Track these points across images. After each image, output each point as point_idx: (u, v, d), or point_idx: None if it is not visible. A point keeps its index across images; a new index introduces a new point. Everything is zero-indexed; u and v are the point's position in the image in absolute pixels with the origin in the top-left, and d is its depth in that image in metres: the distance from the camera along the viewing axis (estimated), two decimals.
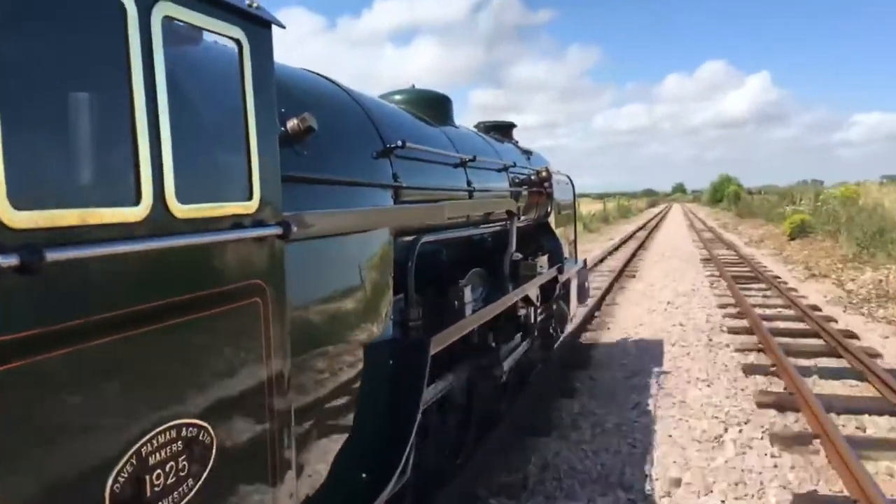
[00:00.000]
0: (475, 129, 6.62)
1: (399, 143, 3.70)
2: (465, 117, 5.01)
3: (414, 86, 5.54)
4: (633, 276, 16.83)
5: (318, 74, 3.70)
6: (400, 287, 3.62)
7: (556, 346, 7.62)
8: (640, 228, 39.14)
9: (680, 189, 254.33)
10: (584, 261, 8.58)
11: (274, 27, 2.15)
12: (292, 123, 2.63)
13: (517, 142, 7.43)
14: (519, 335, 5.85)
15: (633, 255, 21.79)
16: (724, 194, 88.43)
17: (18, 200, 1.32)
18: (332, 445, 2.78)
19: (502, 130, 7.22)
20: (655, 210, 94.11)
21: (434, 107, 5.32)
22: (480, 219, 5.11)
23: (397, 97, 5.26)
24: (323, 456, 2.70)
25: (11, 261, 1.26)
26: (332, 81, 3.73)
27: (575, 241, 8.58)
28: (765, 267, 18.39)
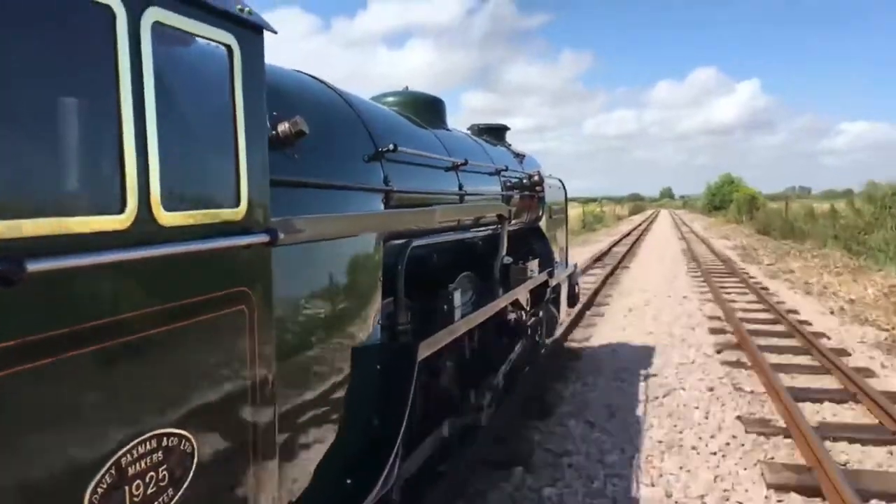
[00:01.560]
0: (468, 132, 6.61)
1: (391, 146, 3.68)
2: (457, 120, 5.04)
3: (407, 88, 5.53)
4: None
5: (310, 76, 3.68)
6: (389, 291, 3.61)
7: (543, 350, 7.63)
8: (597, 260, 21.76)
9: (667, 194, 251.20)
10: (576, 265, 8.59)
11: (266, 33, 2.14)
12: (283, 127, 2.61)
13: (510, 145, 7.43)
14: (507, 341, 5.85)
15: None
16: (724, 200, 76.17)
17: (0, 209, 1.30)
18: (317, 451, 2.77)
19: (495, 133, 7.22)
20: (637, 218, 77.17)
21: (427, 109, 5.31)
22: (471, 223, 5.11)
23: (390, 99, 5.25)
24: (307, 462, 2.68)
25: None
26: (324, 83, 3.71)
27: (566, 245, 8.58)
28: None
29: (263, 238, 2.08)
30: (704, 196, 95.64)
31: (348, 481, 2.98)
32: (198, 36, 1.85)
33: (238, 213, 2.01)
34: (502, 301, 5.18)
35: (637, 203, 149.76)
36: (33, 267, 1.32)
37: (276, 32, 2.15)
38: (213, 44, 1.91)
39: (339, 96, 3.68)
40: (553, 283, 6.77)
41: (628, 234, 38.11)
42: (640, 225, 53.89)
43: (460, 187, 4.90)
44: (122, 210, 1.60)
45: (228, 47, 1.96)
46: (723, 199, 79.61)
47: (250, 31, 2.06)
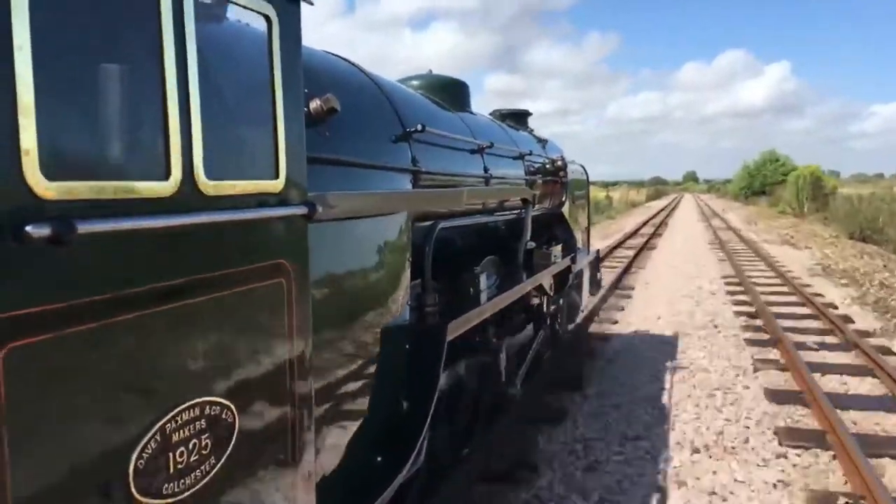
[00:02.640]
0: (491, 117, 6.58)
1: (419, 127, 3.66)
2: (480, 102, 5.00)
3: (431, 71, 5.51)
4: None
5: (339, 57, 3.67)
6: (417, 272, 3.60)
7: (565, 336, 7.60)
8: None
9: (691, 178, 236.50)
10: (598, 251, 8.53)
11: (303, 4, 2.12)
12: (315, 104, 2.60)
13: (532, 130, 7.38)
14: (530, 326, 5.83)
15: None
16: (765, 183, 62.43)
17: (50, 170, 1.30)
18: (349, 427, 2.77)
19: (518, 118, 7.17)
20: (657, 205, 63.69)
21: (451, 92, 5.28)
22: (496, 206, 5.08)
23: (415, 82, 5.22)
24: (340, 438, 2.69)
25: (43, 231, 1.24)
26: (353, 64, 3.70)
27: (588, 230, 8.53)
28: None
29: (302, 210, 2.08)
30: (740, 178, 75.46)
31: (378, 459, 2.99)
32: (238, 5, 1.84)
33: (277, 185, 2.01)
34: (528, 284, 5.16)
35: (658, 187, 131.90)
36: (84, 228, 1.32)
37: (312, 3, 2.14)
38: (253, 13, 1.91)
39: (367, 77, 3.67)
40: (576, 268, 6.73)
41: (634, 234, 25.92)
42: (655, 216, 40.70)
43: (485, 170, 4.88)
44: (167, 176, 1.60)
45: (267, 17, 1.95)
46: (764, 183, 64.32)
47: (288, 2, 2.05)
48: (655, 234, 26.43)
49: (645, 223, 33.60)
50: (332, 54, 3.64)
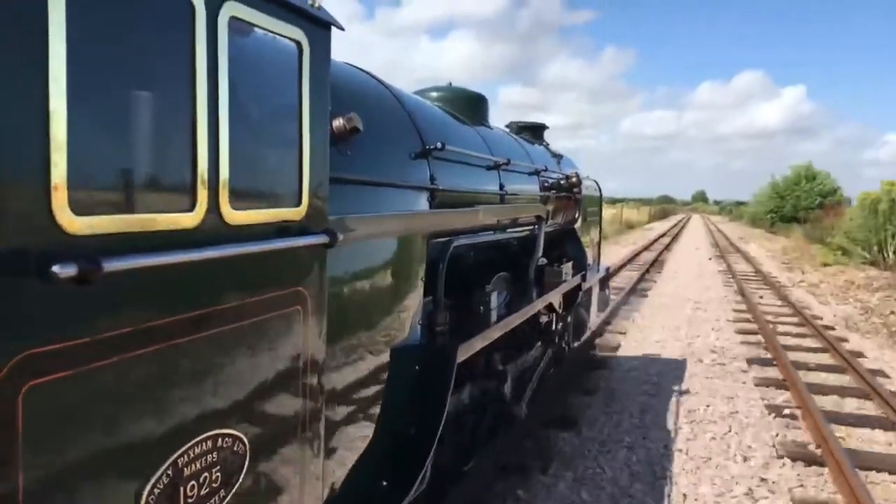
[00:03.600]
0: (507, 130, 6.54)
1: (438, 145, 3.63)
2: (493, 114, 4.97)
3: (451, 83, 5.47)
4: None
5: (360, 70, 3.64)
6: (429, 290, 3.57)
7: (570, 353, 7.55)
8: None
9: (701, 198, 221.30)
10: (608, 268, 8.49)
11: (333, 29, 2.10)
12: (338, 123, 2.57)
13: (548, 144, 7.34)
14: (538, 345, 5.79)
15: None
16: (798, 206, 46.87)
17: (78, 206, 1.28)
18: (356, 452, 2.74)
19: (534, 132, 7.13)
20: (660, 227, 49.76)
21: (470, 106, 5.25)
22: (509, 223, 5.05)
23: (434, 94, 5.19)
24: (347, 463, 2.66)
25: (69, 271, 1.22)
26: (375, 78, 3.67)
27: (599, 247, 8.48)
28: None
29: (323, 239, 2.06)
30: (765, 198, 54.84)
31: (384, 483, 2.96)
32: (270, 31, 1.82)
33: (299, 212, 1.98)
34: (538, 304, 5.12)
35: (664, 206, 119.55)
36: (109, 266, 1.29)
37: (343, 29, 2.11)
38: (284, 40, 1.88)
39: (389, 92, 3.64)
40: (585, 286, 6.69)
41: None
42: (651, 244, 29.48)
43: (501, 187, 4.84)
44: (192, 208, 1.57)
45: (298, 43, 1.92)
46: (798, 206, 47.72)
47: (320, 28, 2.02)
48: (637, 291, 15.04)
49: (631, 259, 21.78)
50: (355, 67, 3.62)
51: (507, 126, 6.90)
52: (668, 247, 29.84)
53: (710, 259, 24.66)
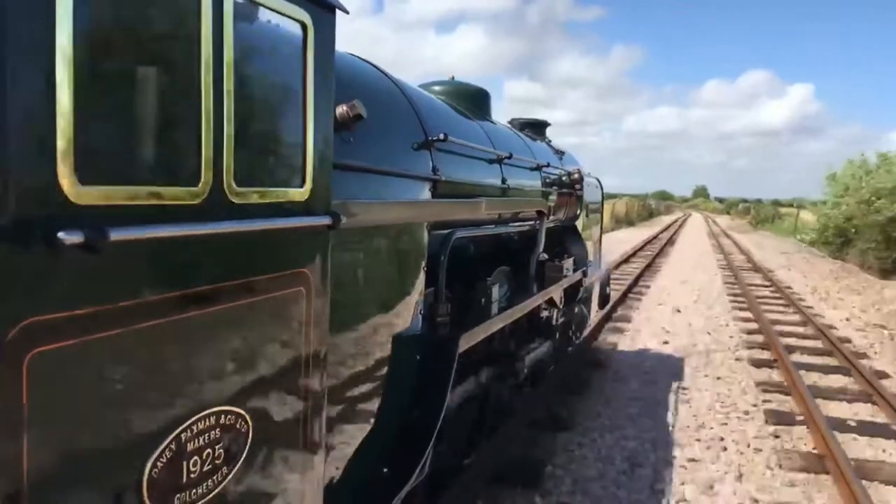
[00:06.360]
0: (510, 125, 6.55)
1: (441, 135, 3.64)
2: (498, 108, 5.01)
3: (454, 77, 5.48)
4: None
5: (363, 60, 3.65)
6: (430, 281, 3.58)
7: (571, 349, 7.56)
8: None
9: (702, 193, 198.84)
10: (608, 265, 8.50)
11: (338, 13, 2.11)
12: (341, 110, 2.58)
13: (550, 141, 7.35)
14: (539, 337, 5.80)
15: None
16: (870, 225, 21.75)
17: (84, 174, 1.29)
18: (358, 437, 2.75)
19: (536, 128, 7.15)
20: (639, 235, 30.99)
21: (473, 101, 5.26)
22: (511, 217, 5.05)
23: (437, 88, 5.20)
24: (349, 447, 2.67)
25: (76, 238, 1.23)
26: (379, 69, 3.68)
27: (599, 244, 8.49)
28: None
29: (326, 221, 2.07)
30: (831, 202, 27.55)
31: (385, 470, 2.96)
32: (275, 11, 1.83)
33: (303, 193, 1.99)
34: (539, 298, 5.13)
35: (646, 202, 75.81)
36: (116, 236, 1.30)
37: (347, 12, 2.12)
38: (289, 20, 1.89)
39: (392, 83, 3.65)
40: (586, 282, 6.69)
41: None
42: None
43: (503, 181, 4.85)
44: (196, 182, 1.58)
45: (303, 24, 1.93)
46: (868, 222, 22.48)
47: (324, 10, 2.03)
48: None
49: None
50: (358, 57, 3.63)
51: (510, 122, 6.91)
52: (641, 277, 16.18)
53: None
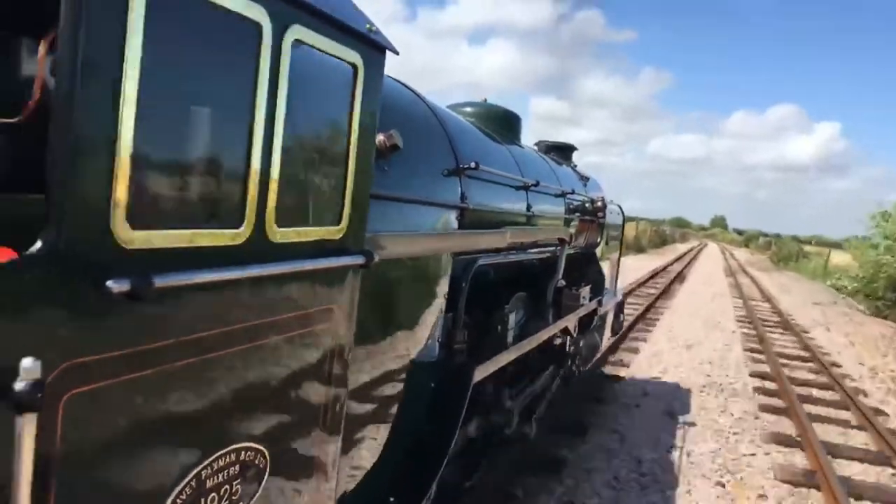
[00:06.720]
0: (536, 148, 6.54)
1: (472, 164, 3.65)
2: (523, 124, 4.97)
3: (486, 99, 5.48)
4: None
5: (398, 82, 3.65)
6: (448, 307, 3.57)
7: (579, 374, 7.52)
8: None
9: (720, 223, 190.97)
10: (623, 292, 8.45)
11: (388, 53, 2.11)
12: (379, 139, 2.59)
13: (575, 165, 7.33)
14: (550, 367, 5.78)
15: None
16: None
17: (136, 220, 1.30)
18: (368, 465, 2.75)
19: (562, 152, 7.13)
20: (641, 266, 24.78)
21: (503, 124, 5.26)
22: (533, 244, 5.04)
23: (468, 109, 5.20)
24: (359, 477, 2.67)
25: (123, 286, 1.24)
26: (414, 92, 3.69)
27: (617, 270, 8.46)
28: None
29: (359, 260, 2.07)
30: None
31: (392, 500, 2.96)
32: (329, 54, 1.83)
33: (339, 230, 2.00)
34: (553, 328, 5.11)
35: (660, 228, 66.48)
36: (161, 283, 1.31)
37: (398, 53, 2.12)
38: (341, 62, 1.90)
39: (427, 108, 3.65)
40: (601, 311, 6.66)
41: None
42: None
43: (528, 207, 4.84)
44: (240, 224, 1.59)
45: (354, 66, 1.94)
46: None
47: (375, 51, 2.04)
48: None
49: None
50: (395, 80, 3.63)
51: (536, 144, 6.90)
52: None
53: None
